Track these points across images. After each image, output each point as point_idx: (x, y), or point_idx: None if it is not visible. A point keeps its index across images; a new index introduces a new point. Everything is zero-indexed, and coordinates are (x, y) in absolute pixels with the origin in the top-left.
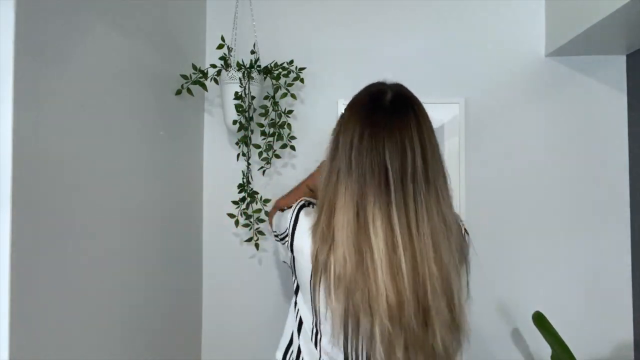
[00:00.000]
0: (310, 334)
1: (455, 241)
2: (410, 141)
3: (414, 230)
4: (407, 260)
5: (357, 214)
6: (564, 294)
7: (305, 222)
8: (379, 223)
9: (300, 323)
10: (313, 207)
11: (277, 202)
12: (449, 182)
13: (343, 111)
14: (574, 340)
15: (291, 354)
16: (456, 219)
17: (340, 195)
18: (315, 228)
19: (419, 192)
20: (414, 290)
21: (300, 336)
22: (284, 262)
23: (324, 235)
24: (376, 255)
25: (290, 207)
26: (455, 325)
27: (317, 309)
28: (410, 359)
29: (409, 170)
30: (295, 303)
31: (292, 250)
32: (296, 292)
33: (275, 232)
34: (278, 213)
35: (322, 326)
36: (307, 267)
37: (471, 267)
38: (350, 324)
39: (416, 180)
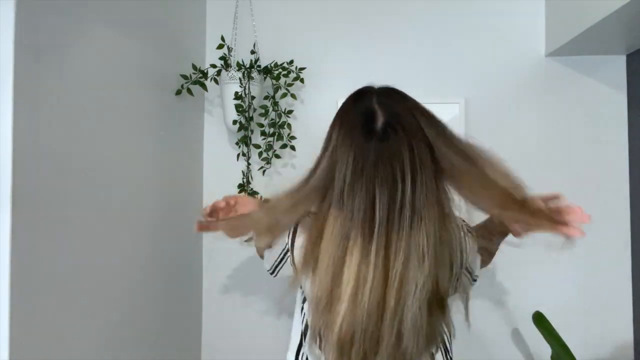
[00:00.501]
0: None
1: (446, 270)
2: (402, 171)
3: (390, 264)
4: (373, 294)
5: (340, 245)
6: (564, 294)
7: (301, 239)
8: (355, 257)
9: (307, 328)
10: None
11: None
12: (448, 195)
13: (335, 119)
14: (574, 340)
15: (302, 356)
16: (457, 235)
17: (329, 224)
18: (305, 246)
19: (402, 225)
20: (374, 325)
21: (306, 340)
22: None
23: (306, 256)
24: (343, 287)
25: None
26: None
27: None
28: None
29: (397, 204)
30: (302, 308)
31: (295, 265)
32: (304, 300)
33: (269, 267)
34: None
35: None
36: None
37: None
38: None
39: (403, 213)
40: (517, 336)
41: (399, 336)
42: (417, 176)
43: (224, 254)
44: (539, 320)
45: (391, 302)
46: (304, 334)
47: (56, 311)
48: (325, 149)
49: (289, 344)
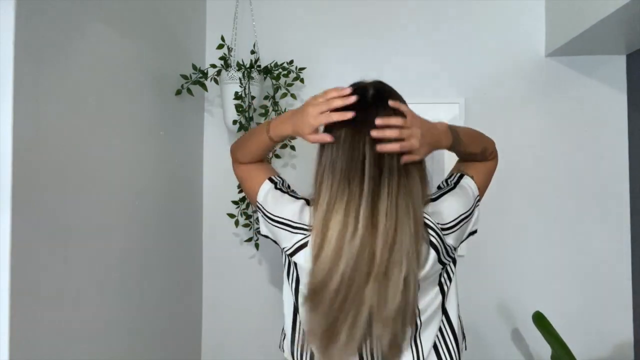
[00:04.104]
0: None
1: (419, 238)
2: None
3: (380, 221)
4: (361, 250)
5: (331, 205)
6: (564, 294)
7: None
8: (339, 215)
9: (296, 292)
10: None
11: (236, 153)
12: (427, 177)
13: None
14: (574, 340)
15: (299, 325)
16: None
17: (324, 191)
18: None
19: (392, 185)
20: (365, 281)
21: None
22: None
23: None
24: (330, 233)
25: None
26: (410, 320)
27: None
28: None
29: (386, 163)
30: (289, 278)
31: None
32: (288, 270)
33: (264, 207)
34: (273, 191)
35: None
36: None
37: (470, 266)
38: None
39: (392, 174)
40: (517, 336)
41: (383, 297)
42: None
43: (224, 254)
44: (539, 320)
45: (380, 256)
46: (298, 310)
47: (56, 311)
48: (323, 132)
49: (284, 319)
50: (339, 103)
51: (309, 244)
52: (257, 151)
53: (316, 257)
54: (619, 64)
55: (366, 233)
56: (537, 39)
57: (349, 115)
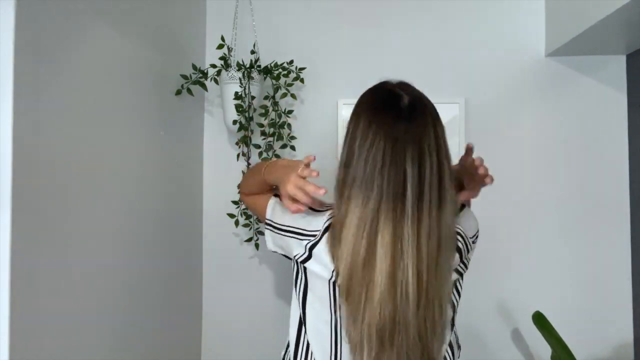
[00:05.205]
0: None
1: (451, 254)
2: (429, 147)
3: (423, 243)
4: (412, 274)
5: (370, 225)
6: (564, 294)
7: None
8: (387, 237)
9: (304, 312)
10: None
11: (243, 188)
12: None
13: (353, 115)
14: (574, 340)
15: (303, 340)
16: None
17: (354, 205)
18: (331, 235)
19: (434, 202)
20: (416, 308)
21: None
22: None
23: (333, 242)
24: (378, 266)
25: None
26: (444, 338)
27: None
28: None
29: (426, 179)
30: (299, 293)
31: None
32: (298, 282)
33: (273, 221)
34: (279, 204)
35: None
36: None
37: (470, 267)
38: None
39: (432, 188)
40: (517, 336)
41: (441, 320)
42: (442, 155)
43: (224, 254)
44: (539, 320)
45: (425, 285)
46: (302, 315)
47: (56, 311)
48: (349, 137)
49: (289, 329)
50: (311, 189)
51: (335, 273)
52: (259, 188)
53: (354, 277)
54: (619, 64)
55: (414, 254)
56: (537, 39)
57: (321, 192)
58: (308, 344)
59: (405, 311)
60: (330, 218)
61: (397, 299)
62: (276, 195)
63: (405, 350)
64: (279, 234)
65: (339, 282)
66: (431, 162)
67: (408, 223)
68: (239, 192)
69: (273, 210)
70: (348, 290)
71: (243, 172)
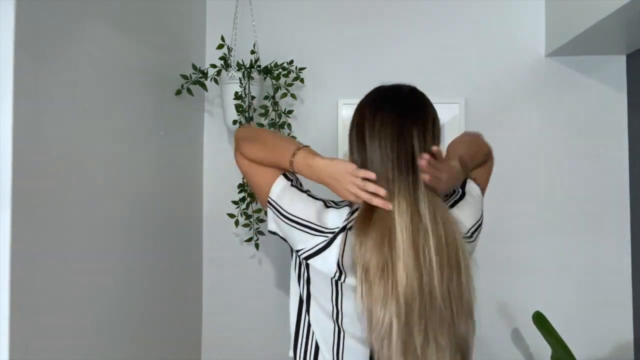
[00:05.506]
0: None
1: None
2: (431, 125)
3: (438, 216)
4: (433, 244)
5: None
6: (564, 294)
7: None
8: (404, 207)
9: (308, 296)
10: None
11: (244, 146)
12: None
13: (357, 110)
14: (574, 340)
15: (304, 323)
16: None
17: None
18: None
19: (425, 186)
20: (440, 274)
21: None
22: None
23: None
24: (399, 239)
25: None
26: (471, 312)
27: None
28: (430, 344)
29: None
30: (298, 275)
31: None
32: (299, 266)
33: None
34: (290, 189)
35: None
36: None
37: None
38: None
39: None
40: (517, 336)
41: (469, 291)
42: (437, 131)
43: (224, 254)
44: (539, 320)
45: (459, 253)
46: (306, 301)
47: (56, 311)
48: (355, 124)
49: (289, 316)
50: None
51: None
52: (272, 163)
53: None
54: (619, 64)
55: (432, 220)
56: (537, 39)
57: (382, 191)
58: (309, 325)
59: (431, 279)
60: (350, 220)
61: (421, 267)
62: (286, 177)
63: (433, 329)
64: (284, 221)
65: (359, 272)
66: (433, 134)
67: (422, 190)
68: (236, 147)
69: (281, 193)
70: (374, 269)
71: (241, 124)
